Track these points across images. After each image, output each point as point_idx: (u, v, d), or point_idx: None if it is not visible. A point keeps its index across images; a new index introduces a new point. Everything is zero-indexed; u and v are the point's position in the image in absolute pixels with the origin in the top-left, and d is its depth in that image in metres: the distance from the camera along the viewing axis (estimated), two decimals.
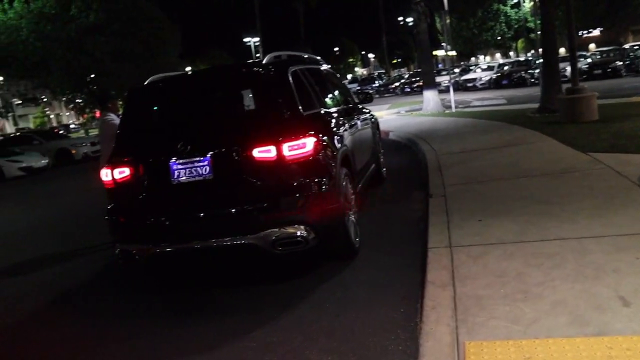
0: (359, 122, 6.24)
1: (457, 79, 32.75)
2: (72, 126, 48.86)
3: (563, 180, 5.74)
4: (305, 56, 5.64)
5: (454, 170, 7.12)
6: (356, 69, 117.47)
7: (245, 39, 69.26)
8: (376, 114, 20.23)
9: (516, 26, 49.03)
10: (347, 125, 5.37)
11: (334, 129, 4.82)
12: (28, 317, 4.50)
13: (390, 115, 18.77)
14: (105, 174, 4.32)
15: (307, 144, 4.02)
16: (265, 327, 3.56)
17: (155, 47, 25.77)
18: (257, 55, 64.27)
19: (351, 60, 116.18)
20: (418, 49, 16.62)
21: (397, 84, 39.98)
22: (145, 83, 4.61)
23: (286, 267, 4.65)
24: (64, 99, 31.90)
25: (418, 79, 32.55)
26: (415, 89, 33.50)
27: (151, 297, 4.58)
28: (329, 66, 6.61)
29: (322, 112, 4.87)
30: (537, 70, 26.45)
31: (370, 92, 7.19)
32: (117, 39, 23.68)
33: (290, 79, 4.44)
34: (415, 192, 6.83)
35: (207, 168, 4.04)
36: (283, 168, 3.97)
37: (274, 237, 3.94)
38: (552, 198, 5.13)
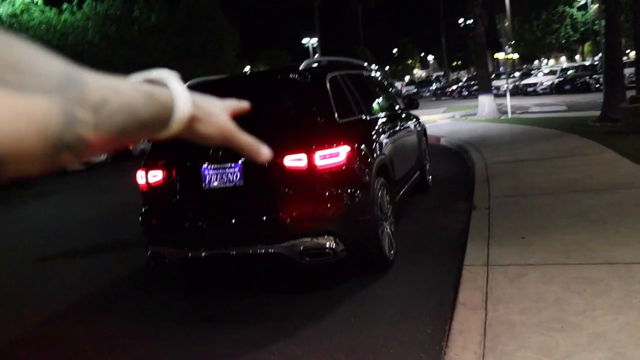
0: (402, 130, 6.08)
1: (516, 83, 31.68)
2: None
3: (620, 197, 5.36)
4: (348, 61, 5.54)
5: (501, 181, 6.82)
6: (415, 70, 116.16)
7: (304, 40, 69.86)
8: (430, 117, 19.90)
9: (582, 29, 46.85)
10: (387, 133, 5.23)
11: (372, 138, 4.71)
12: (53, 311, 4.62)
13: (444, 120, 18.35)
14: (140, 177, 4.38)
15: (340, 153, 3.93)
16: (287, 338, 3.50)
17: (213, 46, 26.31)
18: (316, 56, 64.76)
19: (410, 61, 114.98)
20: (475, 52, 16.10)
21: (454, 87, 39.14)
22: (187, 84, 4.64)
23: (317, 276, 4.57)
24: None
25: (476, 82, 31.72)
26: (473, 92, 32.66)
27: (178, 300, 4.61)
28: (377, 69, 6.49)
29: (361, 119, 4.76)
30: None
31: (416, 99, 6.93)
32: (177, 38, 24.36)
33: (328, 85, 4.36)
34: (459, 203, 6.58)
35: (238, 174, 4.02)
36: (314, 177, 3.89)
37: (301, 248, 3.86)
38: (605, 217, 4.79)
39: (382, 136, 5.02)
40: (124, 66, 25.09)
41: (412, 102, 6.88)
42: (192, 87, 4.57)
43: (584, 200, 5.44)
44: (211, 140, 0.71)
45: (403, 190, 5.69)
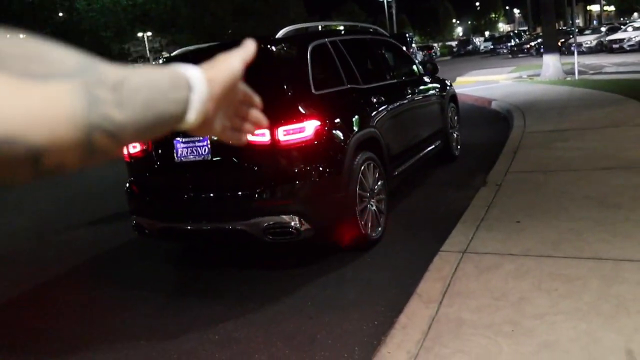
0: (413, 98, 5.69)
1: (601, 39, 29.08)
2: None
3: None
4: (342, 27, 5.20)
5: (529, 154, 6.28)
6: (499, 24, 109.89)
7: None
8: (493, 77, 18.76)
9: None
10: (386, 103, 4.90)
11: (358, 109, 4.42)
12: (52, 279, 4.81)
13: (507, 80, 17.22)
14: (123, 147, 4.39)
15: (307, 128, 3.71)
16: (239, 319, 3.43)
17: (275, 4, 26.07)
18: (391, 10, 62.68)
19: (493, 15, 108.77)
20: (542, 5, 14.76)
21: (533, 43, 36.50)
22: (166, 57, 4.56)
23: (296, 253, 4.44)
24: None
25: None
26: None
27: (158, 269, 4.67)
28: (408, 34, 6.05)
29: (348, 89, 4.46)
30: None
31: (435, 63, 6.39)
32: None
33: (308, 54, 4.10)
34: (478, 176, 6.14)
35: (207, 148, 3.91)
36: (278, 153, 3.71)
37: (265, 225, 3.74)
38: (623, 202, 4.27)
39: (376, 107, 4.70)
40: (188, 25, 25.58)
41: (434, 67, 6.40)
42: (174, 58, 4.49)
43: (609, 180, 4.88)
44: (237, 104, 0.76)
45: (408, 163, 5.37)
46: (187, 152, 3.99)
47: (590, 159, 5.69)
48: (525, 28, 67.90)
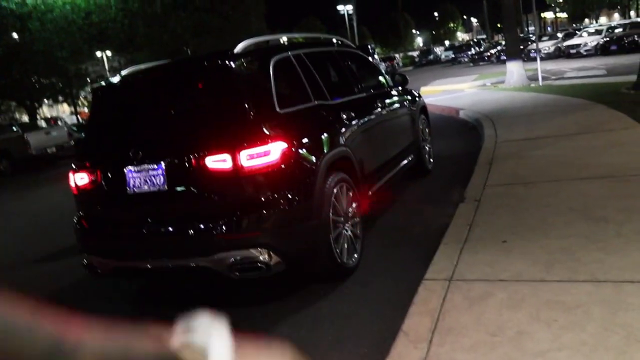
0: (384, 112, 5.41)
1: (559, 44, 29.71)
2: None
3: (635, 188, 4.56)
4: (309, 37, 4.89)
5: (504, 165, 6.07)
6: (458, 34, 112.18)
7: (339, 7, 67.94)
8: (458, 86, 18.83)
9: None
10: (357, 119, 4.59)
11: (328, 127, 4.09)
12: None
13: (472, 89, 17.26)
14: (70, 179, 3.95)
15: (272, 151, 3.35)
16: None
17: (235, 20, 25.69)
18: (352, 22, 63.02)
19: (452, 25, 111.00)
20: (503, 13, 14.85)
21: (493, 51, 37.12)
22: (116, 76, 4.16)
23: (266, 285, 4.05)
24: None
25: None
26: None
27: (105, 311, 4.22)
28: (369, 45, 5.78)
29: (316, 106, 4.14)
30: None
31: (404, 74, 6.15)
32: (198, 13, 23.87)
33: (271, 70, 3.76)
34: (454, 191, 5.89)
35: (162, 178, 3.51)
36: (241, 180, 3.34)
37: (230, 261, 3.35)
38: (610, 214, 4.04)
39: (347, 123, 4.38)
40: (147, 43, 24.95)
41: (403, 79, 6.14)
42: (120, 79, 4.09)
43: (591, 191, 4.67)
44: None
45: (382, 181, 5.06)
46: (140, 182, 3.58)
47: (568, 168, 5.50)
48: (484, 36, 69.34)
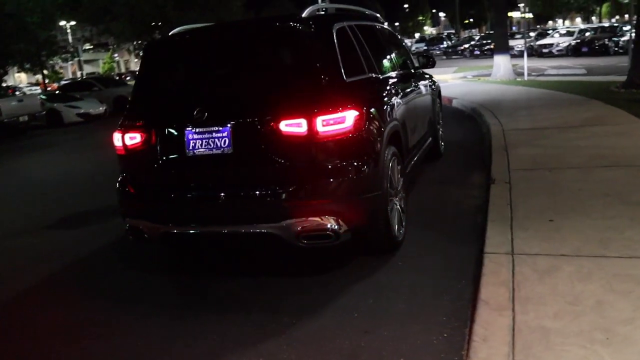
0: (416, 90, 5.44)
1: (532, 44, 30.46)
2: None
3: None
4: (359, 10, 4.86)
5: (521, 152, 6.22)
6: (425, 27, 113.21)
7: None
8: (441, 77, 19.08)
9: None
10: (400, 95, 4.61)
11: (384, 100, 4.09)
12: (17, 295, 4.13)
13: (455, 80, 17.52)
14: (117, 139, 3.81)
15: (347, 118, 3.33)
16: (277, 337, 2.99)
17: None
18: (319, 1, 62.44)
19: (421, 18, 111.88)
20: (491, 9, 15.13)
21: (466, 45, 37.76)
22: (169, 35, 4.02)
23: (312, 257, 4.04)
24: (130, 46, 32.25)
25: (489, 41, 30.53)
26: (486, 52, 31.49)
27: (158, 279, 4.12)
28: (387, 25, 5.78)
29: (371, 78, 4.13)
30: (623, 38, 24.13)
31: (432, 56, 6.23)
32: None
33: (335, 37, 3.72)
34: (475, 174, 6.01)
35: (227, 140, 3.43)
36: (315, 146, 3.31)
37: (299, 228, 3.32)
38: None
39: (394, 98, 4.40)
40: (126, 13, 24.13)
41: (427, 59, 6.18)
42: (175, 37, 3.96)
43: (617, 178, 4.86)
44: None
45: (415, 159, 5.11)
46: (201, 145, 3.49)
47: (585, 157, 5.68)
48: (453, 31, 70.21)
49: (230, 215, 3.49)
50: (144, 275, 4.20)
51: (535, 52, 28.81)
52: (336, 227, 3.33)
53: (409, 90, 5.10)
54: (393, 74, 4.82)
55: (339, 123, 3.30)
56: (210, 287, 3.81)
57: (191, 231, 3.66)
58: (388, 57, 5.08)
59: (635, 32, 10.94)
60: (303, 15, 3.67)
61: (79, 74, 49.57)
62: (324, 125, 3.27)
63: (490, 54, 25.32)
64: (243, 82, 3.62)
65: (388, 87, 4.37)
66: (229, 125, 3.41)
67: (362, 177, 3.41)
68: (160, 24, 24.48)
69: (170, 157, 3.62)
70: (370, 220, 3.61)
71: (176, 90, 3.84)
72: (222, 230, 3.54)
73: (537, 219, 4.05)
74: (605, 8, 52.16)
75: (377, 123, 3.70)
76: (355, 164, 3.39)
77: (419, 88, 5.67)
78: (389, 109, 4.10)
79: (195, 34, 3.92)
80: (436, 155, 6.77)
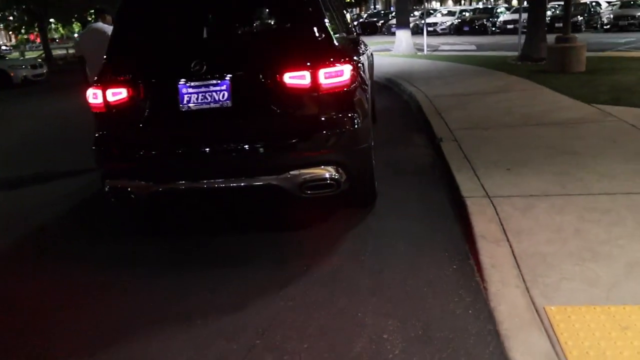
0: (367, 52, 5.66)
1: (417, 22, 32.10)
2: (3, 48, 44.63)
3: (580, 131, 5.45)
4: None
5: (454, 114, 6.72)
6: None
7: None
8: None
9: None
10: (364, 56, 4.80)
11: (361, 58, 4.25)
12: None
13: None
14: (94, 95, 3.58)
15: (345, 71, 3.45)
16: (298, 282, 3.09)
17: None
18: None
19: None
20: None
21: (355, 23, 38.78)
22: None
23: (295, 211, 4.15)
24: None
25: (375, 19, 31.80)
26: (368, 32, 32.94)
27: (141, 240, 3.98)
28: None
29: (348, 37, 4.27)
30: (500, 19, 26.42)
31: (375, 22, 6.46)
32: None
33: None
34: (415, 135, 6.41)
35: (225, 93, 3.40)
36: (318, 98, 3.39)
37: (302, 179, 3.41)
38: (577, 149, 4.83)
39: (362, 57, 4.57)
40: None
41: (371, 27, 6.41)
42: None
43: (547, 134, 5.48)
44: None
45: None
46: (197, 99, 3.42)
47: (513, 117, 6.31)
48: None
49: (232, 168, 3.47)
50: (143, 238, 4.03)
51: (420, 30, 30.40)
52: (337, 176, 3.47)
53: (364, 50, 5.31)
54: (352, 37, 4.98)
55: (339, 76, 3.41)
56: (202, 244, 3.77)
57: (189, 187, 3.57)
58: (345, 20, 5.23)
59: (529, 11, 12.07)
60: None
61: None
62: (326, 78, 3.36)
63: (373, 34, 26.41)
64: (244, 33, 3.58)
65: (358, 47, 4.53)
66: (227, 78, 3.38)
67: (359, 128, 3.55)
68: None
69: (162, 112, 3.50)
70: (363, 171, 3.78)
71: (166, 41, 3.68)
72: (227, 185, 3.50)
73: (495, 168, 4.48)
74: None
75: (362, 78, 3.85)
76: (353, 115, 3.52)
77: (368, 50, 5.90)
78: (362, 67, 4.27)
79: None
80: (372, 118, 7.07)
